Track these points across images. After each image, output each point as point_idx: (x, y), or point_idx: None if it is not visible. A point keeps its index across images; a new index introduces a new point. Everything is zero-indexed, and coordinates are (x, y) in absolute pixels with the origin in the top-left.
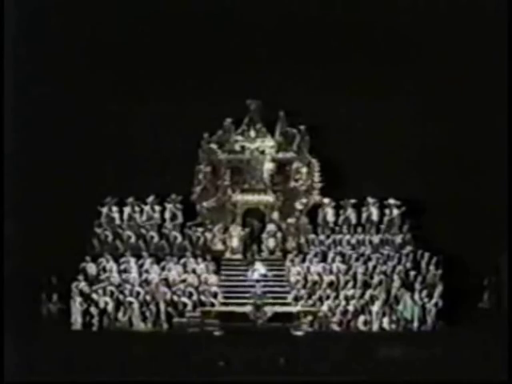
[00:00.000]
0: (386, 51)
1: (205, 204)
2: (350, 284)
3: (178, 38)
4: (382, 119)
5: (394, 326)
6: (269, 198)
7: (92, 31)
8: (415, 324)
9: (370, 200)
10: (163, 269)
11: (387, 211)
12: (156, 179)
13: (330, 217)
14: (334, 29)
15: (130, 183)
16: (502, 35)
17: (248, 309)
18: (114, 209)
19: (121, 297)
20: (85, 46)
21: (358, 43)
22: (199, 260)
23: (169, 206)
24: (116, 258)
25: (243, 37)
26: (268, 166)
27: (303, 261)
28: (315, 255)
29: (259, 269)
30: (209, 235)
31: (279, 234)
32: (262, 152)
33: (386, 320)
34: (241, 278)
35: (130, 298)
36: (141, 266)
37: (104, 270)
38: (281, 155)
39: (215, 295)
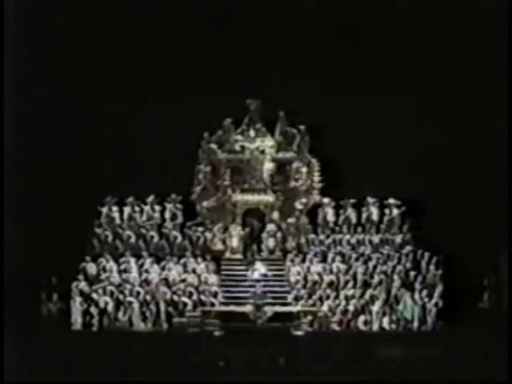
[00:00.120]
0: (385, 51)
1: (205, 204)
2: (350, 284)
3: (178, 38)
4: (382, 119)
5: (394, 326)
6: (269, 197)
7: (92, 31)
8: (415, 324)
9: (370, 200)
10: (163, 269)
11: (387, 211)
12: (156, 179)
13: (330, 217)
14: (334, 29)
15: (130, 183)
16: (502, 34)
17: (248, 309)
18: (114, 209)
19: (121, 297)
20: (85, 46)
21: (358, 43)
22: (199, 260)
23: (169, 205)
24: (116, 258)
25: (243, 37)
26: (268, 166)
27: (303, 261)
28: (315, 255)
29: (259, 269)
30: (209, 235)
31: (279, 234)
32: (262, 152)
33: (386, 320)
34: (241, 277)
35: (129, 298)
36: (141, 266)
37: (104, 269)
38: (281, 155)
39: (215, 295)
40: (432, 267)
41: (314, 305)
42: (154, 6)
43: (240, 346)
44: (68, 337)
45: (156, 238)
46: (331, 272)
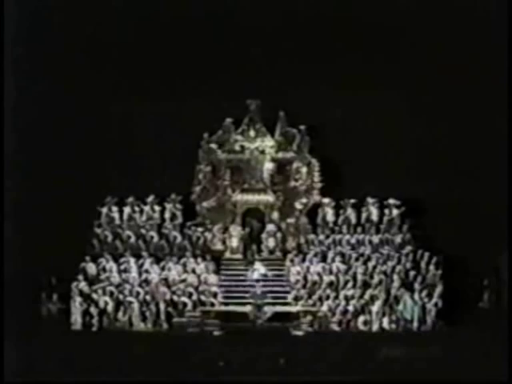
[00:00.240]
0: (386, 51)
1: (205, 204)
2: (350, 284)
3: (178, 38)
4: (382, 119)
5: (394, 326)
6: (269, 197)
7: (92, 31)
8: (415, 324)
9: (370, 200)
10: (163, 269)
11: (387, 211)
12: (156, 179)
13: (330, 217)
14: (334, 29)
15: (130, 183)
16: (502, 32)
17: (248, 309)
18: (114, 209)
19: (121, 297)
20: (85, 46)
21: (358, 43)
22: (199, 260)
23: (169, 205)
24: (116, 258)
25: (243, 37)
26: (268, 166)
27: (303, 261)
28: (315, 255)
29: (259, 269)
30: (209, 235)
31: (279, 234)
32: (262, 152)
33: (385, 320)
34: (241, 277)
35: (129, 298)
36: (141, 266)
37: (104, 270)
38: (281, 155)
39: (215, 295)
40: (432, 267)
41: (313, 305)
42: (154, 6)
43: (240, 346)
44: (68, 337)
45: (156, 238)
46: (331, 272)
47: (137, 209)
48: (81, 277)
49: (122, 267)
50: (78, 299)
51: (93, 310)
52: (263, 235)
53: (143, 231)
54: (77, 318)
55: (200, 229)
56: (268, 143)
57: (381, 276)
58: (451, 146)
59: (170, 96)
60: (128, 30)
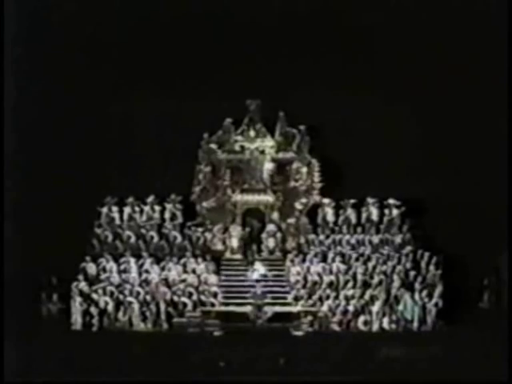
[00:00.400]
0: (386, 52)
1: (205, 204)
2: (350, 284)
3: (177, 38)
4: (382, 119)
5: (394, 326)
6: (269, 197)
7: (92, 31)
8: (415, 324)
9: (370, 200)
10: (163, 269)
11: (387, 211)
12: (156, 179)
13: (330, 217)
14: (334, 29)
15: (130, 183)
16: (502, 33)
17: (248, 309)
18: (114, 209)
19: (121, 297)
20: (85, 46)
21: (359, 43)
22: (199, 260)
23: (169, 206)
24: (116, 258)
25: (243, 37)
26: (268, 166)
27: (303, 261)
28: (315, 255)
29: (259, 269)
30: (209, 235)
31: (279, 234)
32: (262, 152)
33: (386, 320)
34: (241, 278)
35: (129, 298)
36: (141, 266)
37: (104, 270)
38: (281, 155)
39: (215, 295)
40: (432, 267)
41: (313, 305)
42: (154, 6)
43: (240, 346)
44: (68, 337)
45: (156, 238)
46: (331, 272)
47: (137, 209)
48: (81, 277)
49: (122, 267)
50: (78, 299)
51: (93, 309)
52: (263, 235)
53: (143, 231)
54: (77, 318)
55: (200, 229)
56: (268, 143)
57: (381, 276)
58: (451, 146)
59: (170, 96)
60: (128, 30)
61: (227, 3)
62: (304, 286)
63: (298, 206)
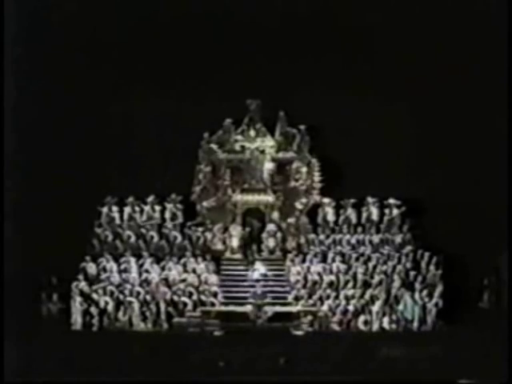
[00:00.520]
0: (386, 52)
1: (205, 204)
2: (350, 284)
3: (177, 38)
4: (382, 119)
5: (394, 326)
6: (269, 197)
7: (92, 31)
8: (415, 324)
9: (370, 200)
10: (163, 269)
11: (387, 211)
12: (156, 179)
13: (330, 217)
14: (335, 29)
15: (130, 183)
16: (502, 34)
17: (248, 309)
18: (114, 209)
19: (121, 297)
20: (85, 46)
21: (359, 43)
22: (199, 260)
23: (169, 205)
24: (116, 258)
25: (243, 37)
26: (268, 166)
27: (303, 261)
28: (315, 255)
29: (259, 269)
30: (209, 235)
31: (279, 234)
32: (262, 152)
33: (386, 320)
34: (241, 277)
35: (129, 298)
36: (141, 266)
37: (104, 269)
38: (281, 155)
39: (215, 295)
40: (432, 267)
41: (314, 305)
42: (154, 6)
43: (240, 346)
44: (68, 337)
45: (156, 238)
46: (331, 272)
47: (137, 209)
48: (81, 277)
49: (122, 267)
50: (78, 299)
51: (93, 309)
52: (263, 235)
53: (143, 231)
54: (77, 318)
55: (200, 229)
56: (268, 143)
57: (381, 276)
58: (451, 146)
59: (170, 96)
60: (128, 30)
61: (227, 3)
62: (304, 286)
63: (298, 205)
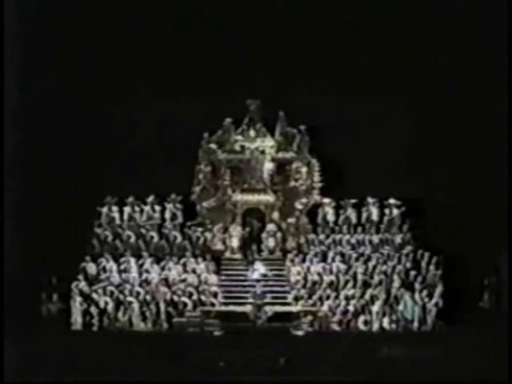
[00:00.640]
0: (386, 52)
1: (205, 204)
2: (350, 284)
3: (178, 38)
4: (382, 119)
5: (394, 326)
6: (269, 197)
7: (92, 30)
8: (415, 324)
9: (370, 200)
10: (163, 269)
11: (387, 211)
12: (156, 179)
13: (330, 217)
14: (335, 29)
15: (130, 183)
16: (502, 35)
17: (248, 309)
18: (114, 209)
19: (121, 297)
20: (85, 46)
21: (359, 43)
22: (199, 260)
23: (169, 205)
24: (116, 258)
25: (243, 36)
26: (268, 166)
27: (303, 261)
28: (315, 255)
29: (259, 268)
30: (209, 235)
31: (279, 234)
32: (262, 152)
33: (386, 320)
34: (241, 277)
35: (129, 298)
36: (141, 266)
37: (104, 269)
38: (281, 155)
39: (215, 295)
40: (432, 267)
41: (314, 305)
42: (154, 6)
43: (240, 346)
44: (68, 337)
45: (156, 238)
46: (331, 272)
47: (137, 209)
48: (81, 277)
49: (122, 267)
50: (78, 299)
51: (93, 309)
52: (263, 235)
53: (143, 231)
54: (77, 318)
55: (200, 229)
56: (268, 143)
57: (381, 276)
58: (451, 146)
59: (170, 96)
60: (128, 30)
61: (227, 3)
62: (304, 286)
63: (298, 205)
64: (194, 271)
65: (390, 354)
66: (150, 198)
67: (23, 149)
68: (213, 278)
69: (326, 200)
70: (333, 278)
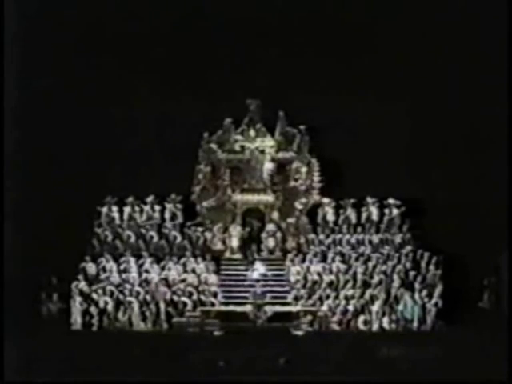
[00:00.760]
0: (386, 52)
1: (205, 204)
2: (350, 284)
3: (178, 37)
4: (382, 119)
5: (394, 326)
6: (269, 197)
7: (92, 30)
8: (415, 324)
9: (370, 200)
10: (163, 268)
11: (387, 211)
12: (156, 179)
13: (330, 216)
14: (335, 29)
15: (130, 183)
16: (502, 35)
17: (248, 309)
18: (114, 209)
19: (121, 297)
20: (84, 46)
21: (358, 44)
22: (199, 260)
23: (169, 205)
24: (116, 258)
25: (243, 36)
26: (268, 166)
27: (303, 260)
28: (315, 255)
29: (259, 269)
30: (209, 235)
31: (279, 234)
32: (262, 152)
33: (386, 320)
34: (241, 277)
35: (129, 298)
36: (141, 266)
37: (104, 269)
38: (281, 155)
39: (215, 295)
40: (432, 267)
41: (313, 305)
42: (154, 6)
43: (240, 346)
44: (68, 337)
45: (156, 238)
46: (331, 272)
47: (137, 209)
48: (81, 277)
49: (122, 267)
50: (78, 299)
51: (93, 309)
52: (263, 235)
53: (143, 231)
54: (77, 318)
55: (200, 229)
56: (268, 143)
57: (381, 276)
58: (451, 146)
59: (170, 96)
60: (128, 30)
61: (227, 3)
62: (304, 286)
63: (297, 205)
64: (193, 271)
65: (390, 354)
66: (150, 198)
67: (23, 149)
68: (213, 278)
69: (326, 200)
70: (333, 277)
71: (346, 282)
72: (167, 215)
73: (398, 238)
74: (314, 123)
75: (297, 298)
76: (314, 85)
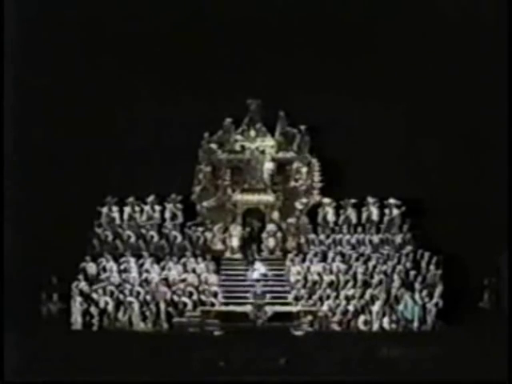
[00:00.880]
0: (386, 52)
1: (205, 204)
2: (350, 284)
3: (178, 37)
4: (382, 119)
5: (394, 326)
6: (269, 197)
7: (92, 30)
8: (415, 324)
9: (370, 200)
10: (163, 268)
11: (387, 211)
12: (156, 179)
13: (330, 216)
14: (335, 29)
15: (130, 183)
16: (502, 37)
17: (248, 309)
18: (114, 209)
19: (121, 297)
20: (84, 46)
21: (359, 44)
22: (199, 260)
23: (169, 205)
24: (116, 258)
25: (243, 36)
26: (268, 166)
27: (303, 260)
28: (315, 255)
29: (259, 268)
30: (209, 235)
31: (279, 234)
32: (262, 152)
33: (386, 320)
34: (241, 277)
35: (129, 298)
36: (141, 266)
37: (104, 269)
38: (281, 155)
39: (215, 295)
40: (432, 267)
41: (314, 305)
42: (154, 7)
43: (240, 346)
44: (68, 337)
45: (156, 238)
46: (331, 272)
47: (137, 209)
48: (81, 277)
49: (122, 267)
50: (78, 299)
51: (93, 309)
52: (263, 235)
53: (143, 231)
54: (77, 318)
55: (200, 229)
56: (268, 143)
57: (381, 276)
58: (451, 146)
59: (170, 96)
60: (128, 30)
61: (227, 3)
62: (304, 286)
63: (298, 205)
64: (194, 271)
65: (390, 354)
66: (150, 198)
67: (23, 149)
68: (213, 278)
69: (326, 200)
70: (333, 277)
71: (347, 282)
72: (167, 215)
73: (398, 238)
74: (314, 123)
75: (297, 298)
76: (314, 85)
